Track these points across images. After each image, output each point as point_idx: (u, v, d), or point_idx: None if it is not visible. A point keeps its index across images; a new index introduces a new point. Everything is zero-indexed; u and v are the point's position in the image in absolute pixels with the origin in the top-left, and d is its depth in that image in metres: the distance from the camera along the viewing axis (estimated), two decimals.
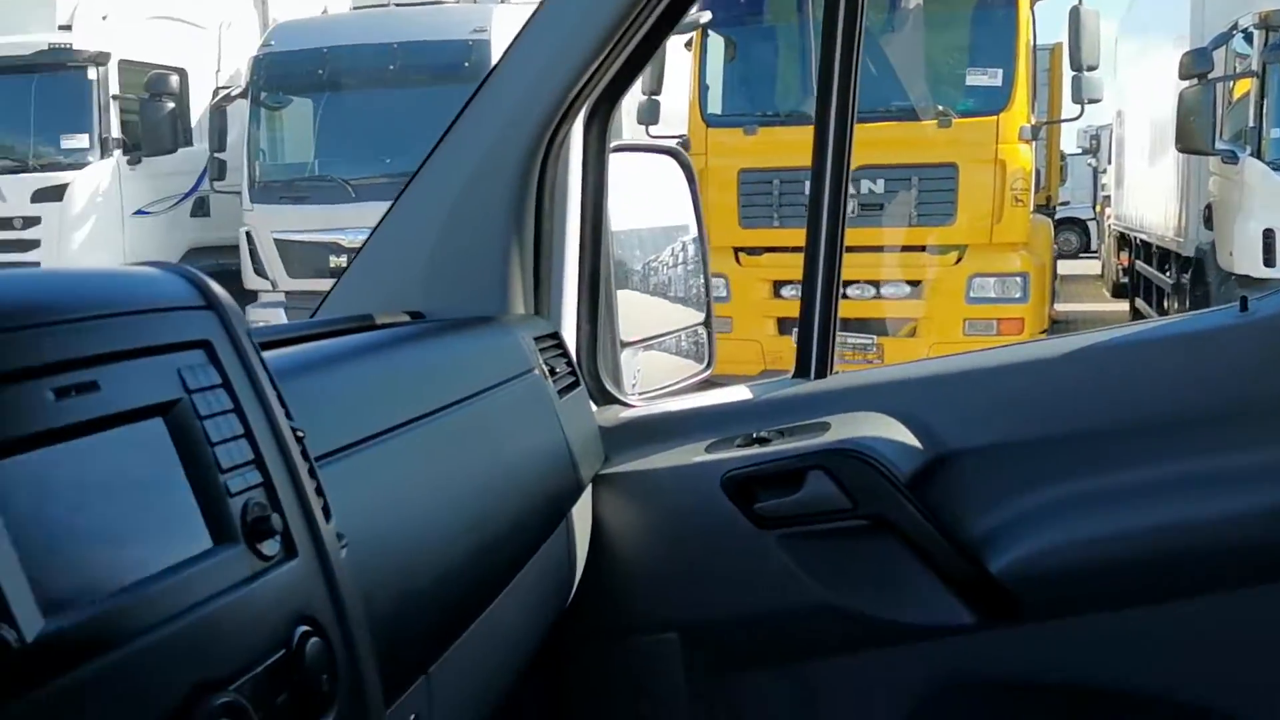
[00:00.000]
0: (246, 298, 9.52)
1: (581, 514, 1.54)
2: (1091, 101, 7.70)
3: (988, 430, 1.53)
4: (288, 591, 0.77)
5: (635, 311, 1.80)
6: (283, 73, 9.58)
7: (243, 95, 9.81)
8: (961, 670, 1.48)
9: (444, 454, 1.17)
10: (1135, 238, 12.93)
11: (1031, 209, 8.20)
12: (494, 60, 1.57)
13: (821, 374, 1.61)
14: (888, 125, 7.47)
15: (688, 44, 8.59)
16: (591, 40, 1.42)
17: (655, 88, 8.36)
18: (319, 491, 0.85)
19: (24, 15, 9.69)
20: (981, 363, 1.63)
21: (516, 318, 1.52)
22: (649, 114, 8.58)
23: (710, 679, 1.57)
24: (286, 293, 9.23)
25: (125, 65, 10.06)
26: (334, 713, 0.77)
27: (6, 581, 0.58)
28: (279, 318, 8.86)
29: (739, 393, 1.66)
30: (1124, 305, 13.71)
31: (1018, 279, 7.80)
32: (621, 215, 1.73)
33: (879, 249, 7.81)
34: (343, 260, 8.98)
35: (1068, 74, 7.89)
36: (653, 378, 1.87)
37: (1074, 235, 22.14)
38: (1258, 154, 7.83)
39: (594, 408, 1.63)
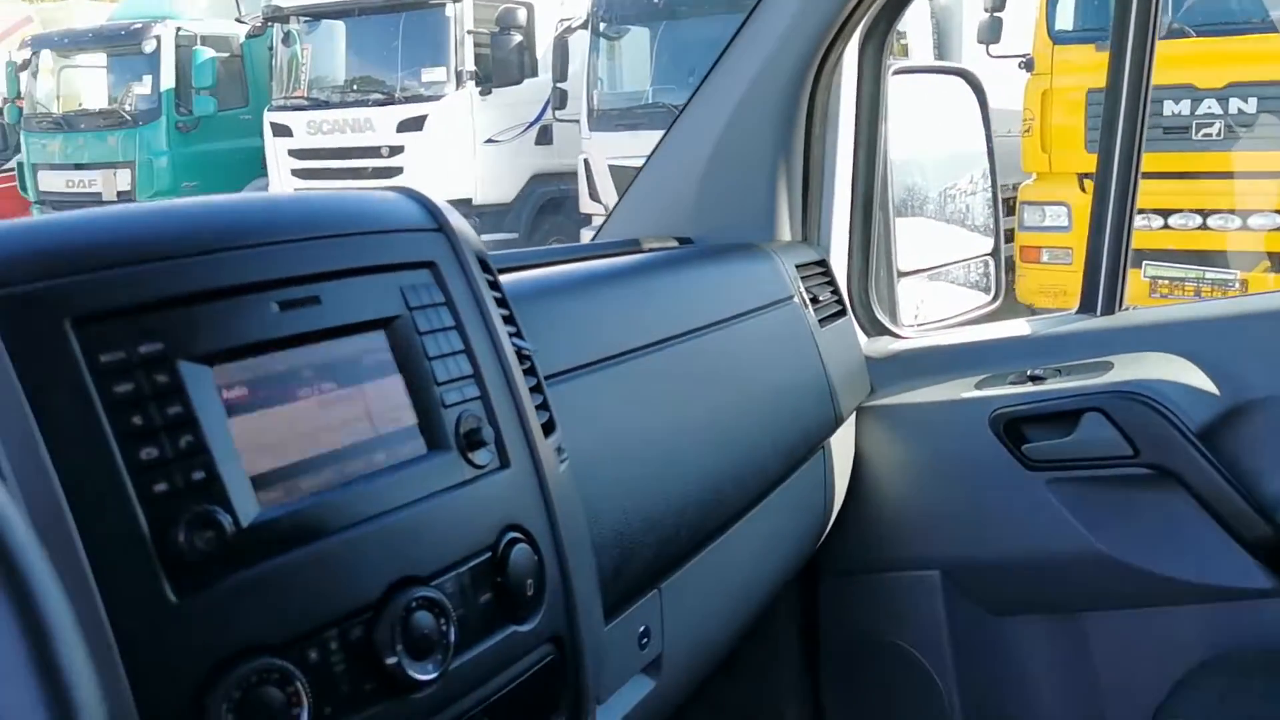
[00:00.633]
0: (582, 221, 9.95)
1: (842, 445, 1.52)
2: None
3: None
4: (497, 500, 0.81)
5: (916, 240, 1.74)
6: (621, 3, 9.84)
7: (583, 26, 10.16)
8: (1246, 636, 1.36)
9: (688, 377, 1.19)
10: None
11: None
12: None
13: (1109, 310, 1.49)
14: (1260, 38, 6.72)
15: None
16: None
17: (998, 4, 7.93)
18: (542, 407, 0.89)
19: None
20: None
21: (781, 245, 1.51)
22: (990, 32, 8.15)
23: (972, 621, 1.52)
24: None
25: (478, 1, 10.65)
26: (538, 617, 0.82)
27: (227, 473, 0.65)
28: None
29: (1017, 327, 1.58)
30: None
31: None
32: (903, 140, 1.67)
33: (1251, 175, 7.07)
34: None
35: None
36: (939, 309, 1.81)
37: None
38: None
39: (863, 338, 1.60)
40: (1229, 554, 1.34)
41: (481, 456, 0.81)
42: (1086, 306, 1.51)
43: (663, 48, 10.05)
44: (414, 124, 10.67)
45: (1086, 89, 7.69)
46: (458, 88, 10.72)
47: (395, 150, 10.75)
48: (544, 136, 11.42)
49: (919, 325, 1.70)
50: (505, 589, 0.79)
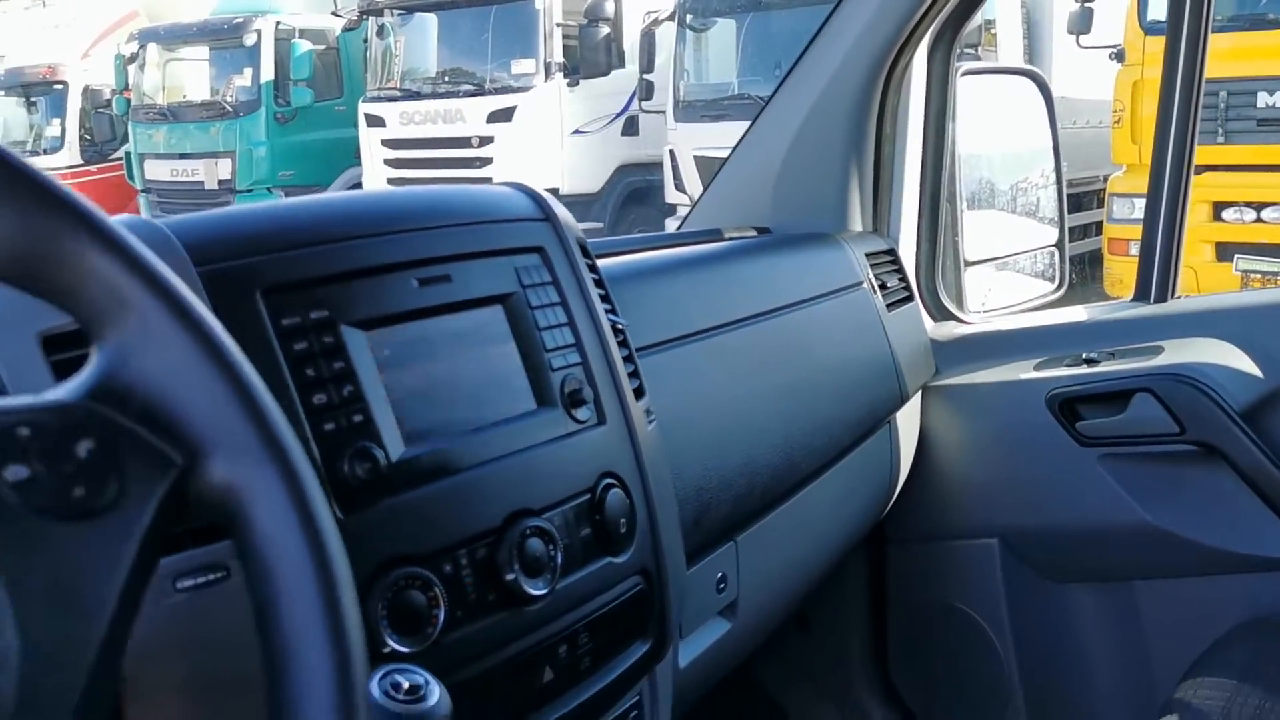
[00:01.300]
0: (667, 211, 10.05)
1: (908, 421, 1.64)
2: None
3: None
4: (595, 450, 0.96)
5: (983, 231, 1.85)
6: None
7: (670, 19, 10.25)
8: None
9: (764, 353, 1.33)
10: None
11: None
12: None
13: (1161, 298, 1.59)
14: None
15: None
16: None
17: None
18: (634, 374, 1.03)
19: None
20: None
21: (853, 235, 1.63)
22: (1081, 22, 8.09)
23: (1028, 586, 1.63)
24: None
25: None
26: (629, 551, 0.96)
27: (380, 417, 0.80)
28: None
29: (1074, 313, 1.68)
30: None
31: None
32: (974, 137, 1.78)
33: None
34: None
35: None
36: (1007, 296, 1.91)
37: None
38: None
39: (929, 322, 1.72)
40: (1269, 525, 1.43)
41: (582, 413, 0.96)
42: (1140, 295, 1.61)
43: (748, 40, 10.12)
44: (504, 115, 10.86)
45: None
46: (546, 79, 10.89)
47: (485, 140, 10.96)
48: (630, 127, 11.52)
49: (986, 311, 1.81)
50: (602, 525, 0.94)
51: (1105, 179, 7.63)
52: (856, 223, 1.65)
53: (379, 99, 11.13)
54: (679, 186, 10.04)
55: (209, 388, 0.47)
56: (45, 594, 0.39)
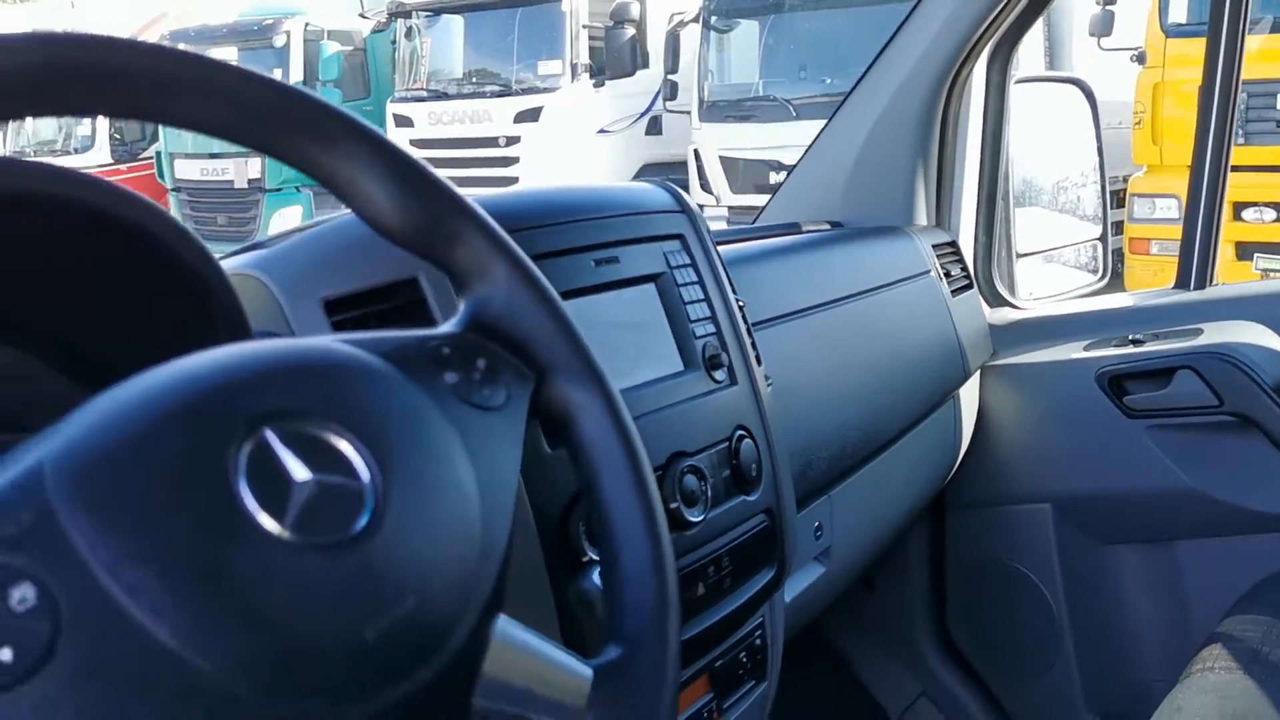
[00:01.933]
0: None
1: (969, 397, 1.81)
2: None
3: None
4: (729, 406, 1.13)
5: (1033, 226, 2.02)
6: None
7: (695, 20, 10.40)
8: None
9: (848, 331, 1.50)
10: None
11: None
12: None
13: (1200, 285, 1.76)
14: None
15: None
16: None
17: None
18: (753, 345, 1.20)
19: None
20: None
21: (919, 228, 1.80)
22: (1102, 25, 8.22)
23: (1078, 547, 1.80)
24: (729, 207, 9.75)
25: None
26: (759, 492, 1.13)
27: None
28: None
29: (1121, 299, 1.85)
30: None
31: None
32: (1025, 139, 1.94)
33: None
34: (782, 176, 9.33)
35: None
36: (1054, 286, 2.08)
37: None
38: None
39: (986, 308, 1.88)
40: None
41: (719, 375, 1.13)
42: (1181, 283, 1.78)
43: (772, 41, 10.26)
44: (530, 115, 11.02)
45: (1200, 83, 7.74)
46: (573, 80, 11.04)
47: (512, 140, 11.12)
48: (654, 127, 11.66)
49: (1035, 299, 1.97)
50: (738, 468, 1.11)
51: (1125, 179, 7.77)
52: (921, 217, 1.82)
53: (407, 99, 11.28)
54: (705, 186, 10.19)
55: (546, 328, 0.65)
56: (489, 458, 0.57)
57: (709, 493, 1.06)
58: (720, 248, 1.44)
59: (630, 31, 10.75)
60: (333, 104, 0.62)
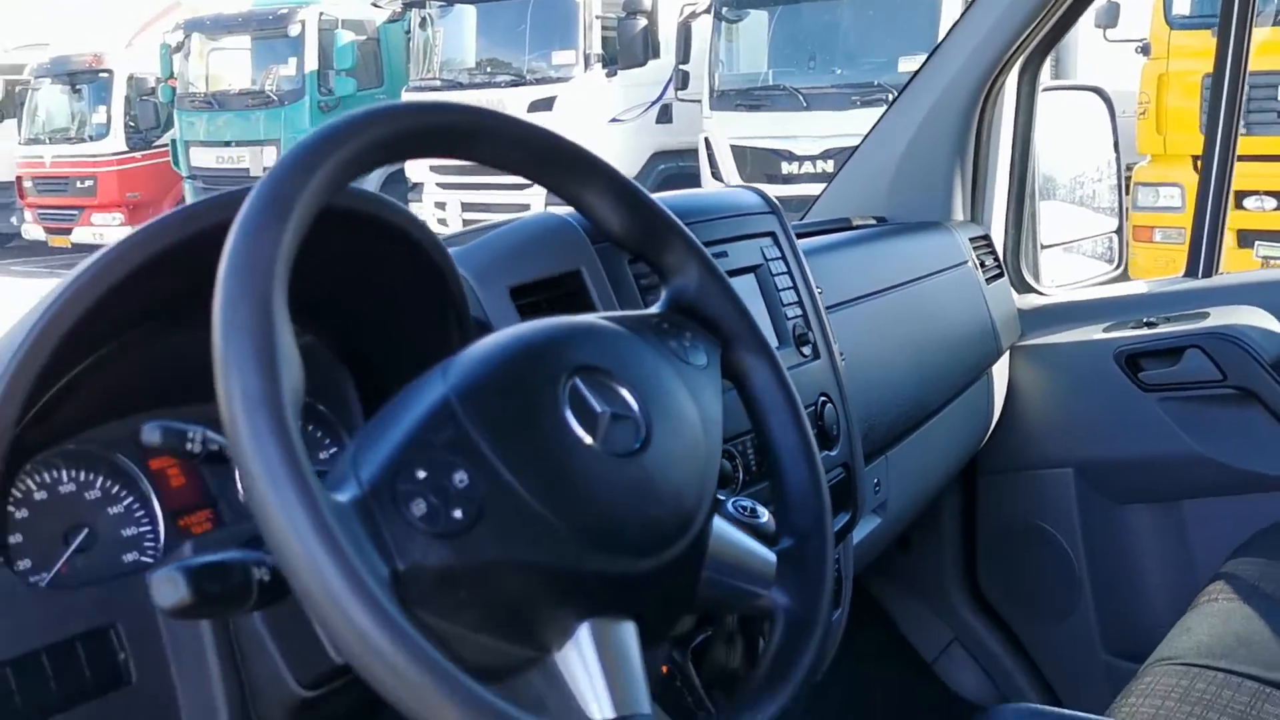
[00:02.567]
0: None
1: (1000, 374, 2.03)
2: None
3: None
4: (814, 376, 1.35)
5: (1057, 220, 2.24)
6: None
7: (706, 11, 10.57)
8: None
9: (898, 315, 1.72)
10: None
11: None
12: None
13: (1208, 273, 1.98)
14: None
15: None
16: (1026, 11, 1.87)
17: None
18: (828, 325, 1.42)
19: None
20: None
21: (957, 223, 2.02)
22: (1107, 17, 8.39)
23: (1097, 507, 2.02)
24: None
25: None
26: (838, 447, 1.36)
27: None
28: None
29: (1135, 286, 2.07)
30: None
31: None
32: (1051, 141, 2.16)
33: None
34: (794, 166, 9.51)
35: None
36: (1075, 274, 2.31)
37: None
38: None
39: (1015, 294, 2.10)
40: None
41: (806, 350, 1.36)
42: (1190, 271, 2.00)
43: (781, 32, 10.44)
44: (544, 104, 11.16)
45: (1203, 74, 7.95)
46: (586, 70, 11.24)
47: None
48: (664, 115, 11.80)
49: (1058, 286, 2.19)
50: (822, 429, 1.33)
51: (1130, 168, 7.98)
52: (959, 212, 2.04)
53: (421, 89, 11.42)
54: (715, 174, 10.38)
55: (729, 309, 0.87)
56: (706, 403, 0.79)
57: None
58: (799, 241, 1.66)
59: (642, 22, 10.91)
60: (579, 145, 0.84)
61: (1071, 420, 2.01)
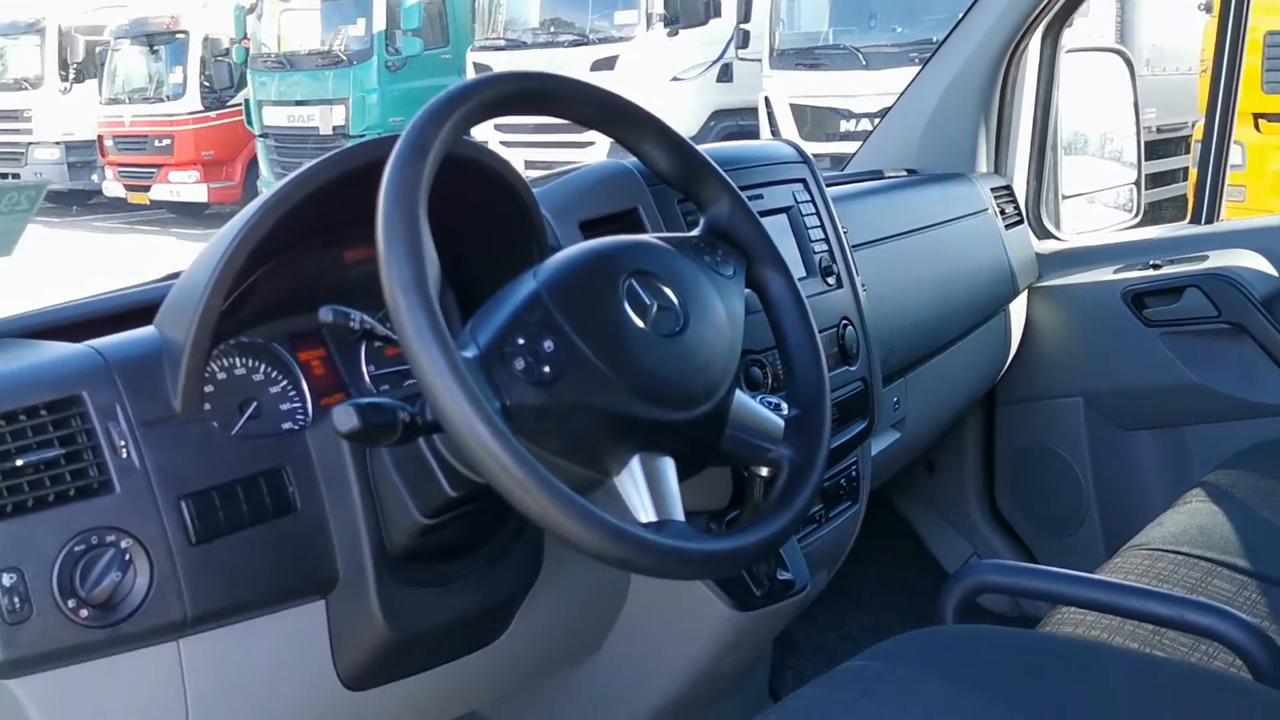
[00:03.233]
0: None
1: (1018, 311, 2.25)
2: None
3: None
4: (837, 302, 1.59)
5: (1080, 171, 2.44)
6: None
7: None
8: None
9: (921, 255, 1.94)
10: None
11: None
12: None
13: (1210, 220, 2.18)
14: None
15: None
16: None
17: None
18: (852, 259, 1.65)
19: None
20: None
21: (980, 175, 2.23)
22: None
23: (1104, 432, 2.24)
24: None
25: None
26: (857, 363, 1.59)
27: None
28: None
29: (1144, 232, 2.27)
30: None
31: None
32: (1075, 100, 2.35)
33: None
34: (852, 124, 9.60)
35: None
36: (1097, 222, 2.51)
37: None
38: None
39: (1035, 239, 2.31)
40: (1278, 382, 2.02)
41: (830, 280, 1.59)
42: (1194, 218, 2.20)
43: None
44: (606, 64, 11.32)
45: (1265, 30, 7.95)
46: (648, 29, 11.38)
47: None
48: (725, 74, 11.89)
49: (1079, 233, 2.40)
50: (843, 347, 1.57)
51: (1192, 125, 8.00)
52: (982, 165, 2.25)
53: (486, 48, 11.62)
54: (775, 133, 10.50)
55: (753, 233, 1.11)
56: (731, 303, 1.04)
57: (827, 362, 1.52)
58: (832, 189, 1.89)
59: None
60: (637, 104, 1.08)
61: (1082, 353, 2.22)
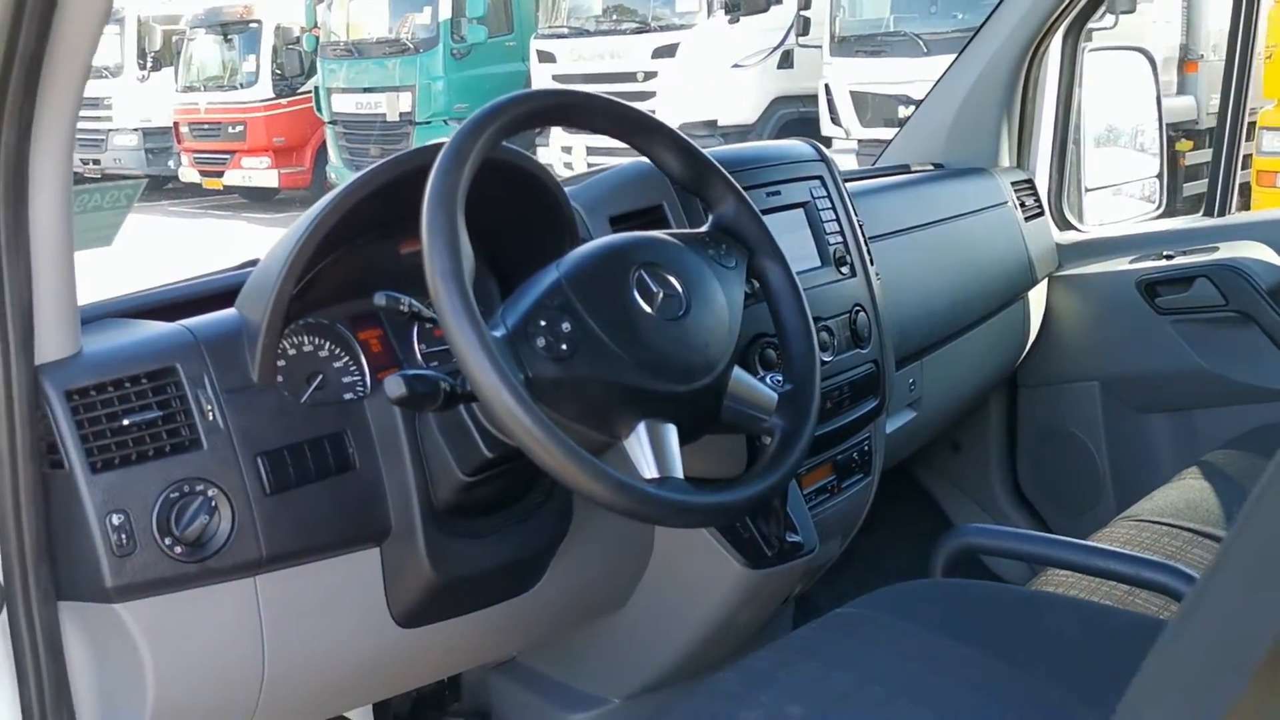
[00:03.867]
0: (823, 144, 10.54)
1: (1037, 300, 2.36)
2: None
3: None
4: (850, 291, 1.72)
5: (1103, 165, 2.54)
6: None
7: None
8: None
9: (940, 245, 2.07)
10: None
11: None
12: None
13: (1221, 212, 2.28)
14: None
15: None
16: None
17: None
18: (868, 250, 1.79)
19: None
20: None
21: (1002, 169, 2.35)
22: None
23: (1120, 415, 2.35)
24: (859, 140, 10.10)
25: None
26: (869, 346, 1.73)
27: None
28: (849, 162, 9.86)
29: (1160, 224, 2.37)
30: None
31: None
32: (1100, 97, 2.46)
33: None
34: (911, 111, 9.57)
35: None
36: (1121, 213, 2.61)
37: None
38: None
39: (1056, 231, 2.42)
40: None
41: (844, 269, 1.73)
42: (1208, 210, 2.30)
43: None
44: (667, 51, 11.41)
45: None
46: (709, 16, 11.45)
47: (649, 75, 11.53)
48: (785, 61, 11.87)
49: (1102, 224, 2.50)
50: (855, 331, 1.71)
51: (1253, 112, 7.94)
52: (1005, 160, 2.37)
53: (550, 36, 11.76)
54: (835, 120, 10.53)
55: (754, 229, 1.26)
56: (732, 292, 1.19)
57: (836, 344, 1.66)
58: (854, 183, 2.03)
59: None
60: (650, 115, 1.23)
61: (1099, 340, 2.33)
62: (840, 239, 1.74)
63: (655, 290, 1.13)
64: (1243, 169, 8.39)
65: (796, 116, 11.52)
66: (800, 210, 1.71)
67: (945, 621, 1.19)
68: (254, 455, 1.16)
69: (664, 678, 1.61)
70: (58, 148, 1.06)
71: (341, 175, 12.60)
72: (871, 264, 1.79)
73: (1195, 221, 2.33)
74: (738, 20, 11.32)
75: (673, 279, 1.15)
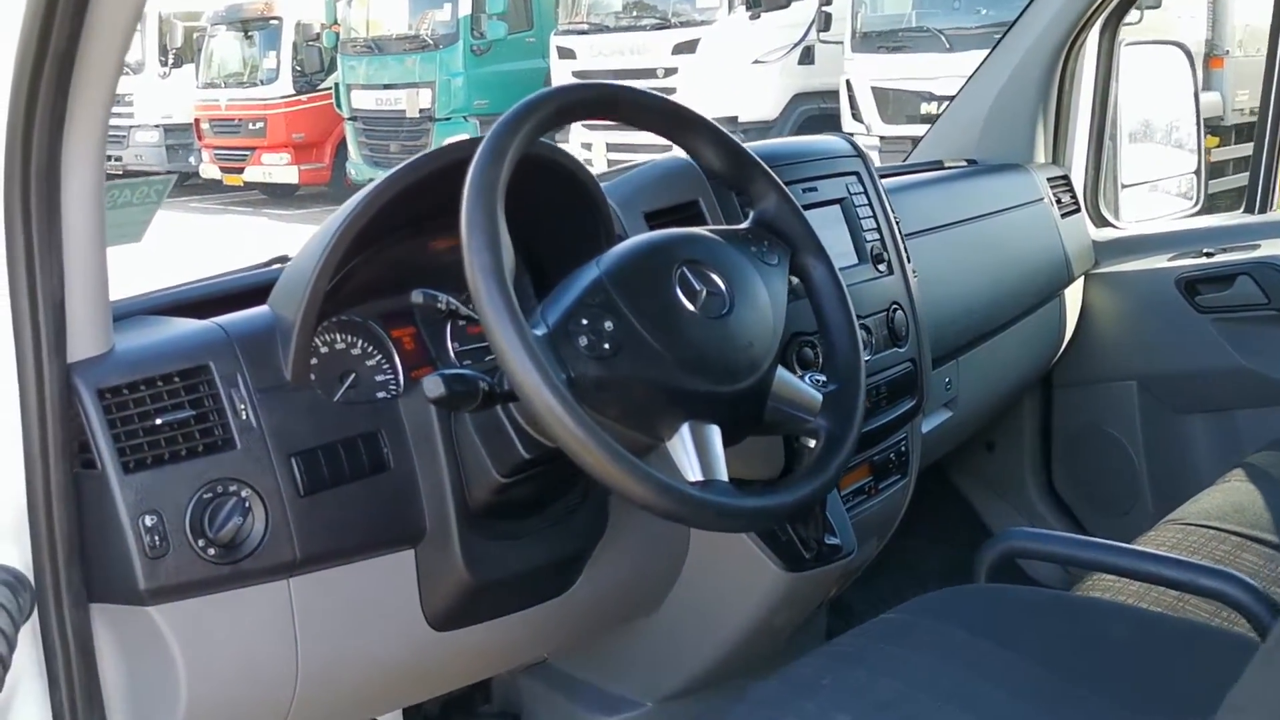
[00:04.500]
0: None
1: (1074, 297, 2.33)
2: None
3: None
4: (887, 289, 1.69)
5: (1140, 161, 2.50)
6: None
7: None
8: None
9: (976, 243, 2.04)
10: None
11: None
12: None
13: (1263, 210, 2.23)
14: None
15: None
16: None
17: None
18: (905, 248, 1.76)
19: None
20: None
21: (1037, 165, 2.31)
22: None
23: (1157, 415, 2.31)
24: (880, 137, 10.05)
25: None
26: (906, 345, 1.69)
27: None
28: (872, 159, 9.75)
29: (1199, 221, 2.33)
30: None
31: None
32: (1137, 92, 2.42)
33: None
34: (933, 107, 9.55)
35: None
36: (1158, 210, 2.57)
37: None
38: None
39: (1092, 228, 2.38)
40: None
41: (881, 267, 1.70)
42: (1248, 207, 2.25)
43: None
44: (688, 47, 11.37)
45: None
46: (729, 12, 11.39)
47: (670, 71, 11.49)
48: (806, 57, 11.81)
49: (1139, 220, 2.46)
50: (893, 329, 1.67)
51: None
52: (1040, 156, 2.33)
53: (570, 32, 11.73)
54: (856, 116, 10.47)
55: (796, 225, 1.23)
56: (775, 290, 1.16)
57: (873, 342, 1.63)
58: (889, 179, 2.00)
59: None
60: (690, 108, 1.21)
61: (1137, 338, 2.29)
62: (877, 236, 1.71)
63: (698, 288, 1.10)
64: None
65: (817, 113, 11.47)
66: (837, 206, 1.68)
67: (992, 627, 1.16)
68: (287, 455, 1.14)
69: (697, 682, 1.58)
70: (90, 145, 1.03)
71: (361, 171, 12.60)
72: (909, 261, 1.76)
73: (1235, 218, 2.29)
74: (759, 16, 11.28)
75: (716, 276, 1.12)
